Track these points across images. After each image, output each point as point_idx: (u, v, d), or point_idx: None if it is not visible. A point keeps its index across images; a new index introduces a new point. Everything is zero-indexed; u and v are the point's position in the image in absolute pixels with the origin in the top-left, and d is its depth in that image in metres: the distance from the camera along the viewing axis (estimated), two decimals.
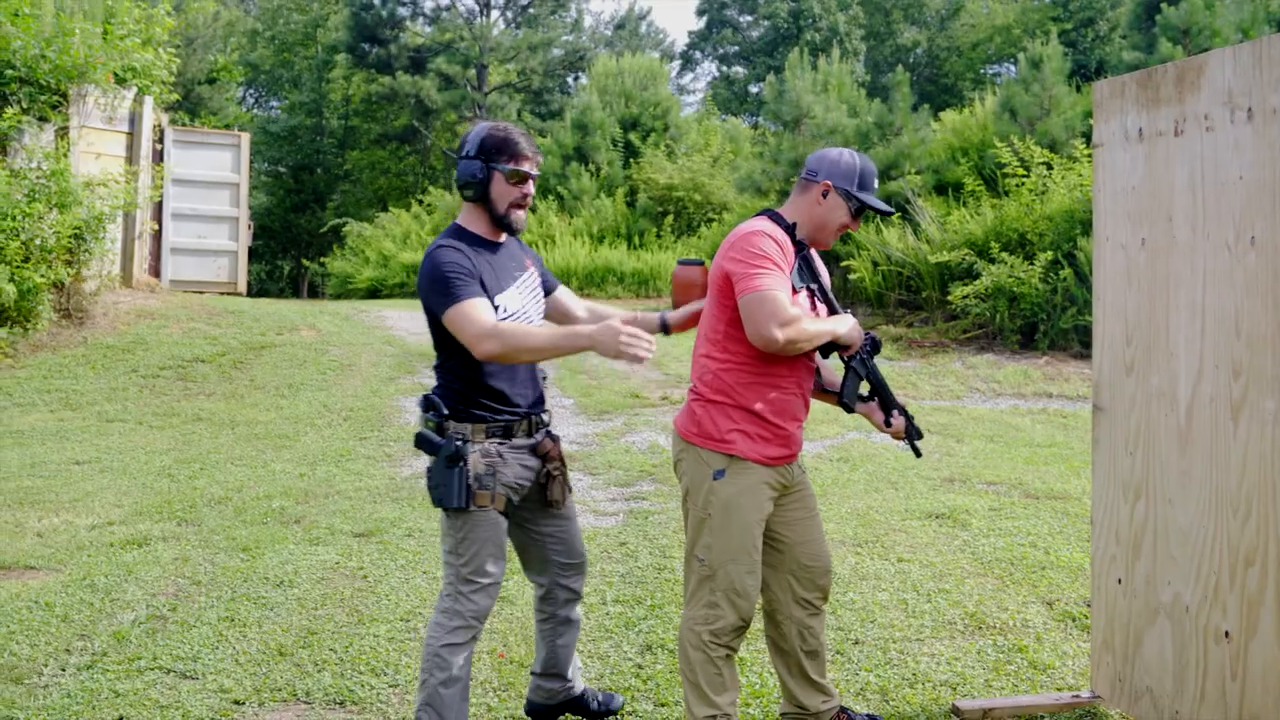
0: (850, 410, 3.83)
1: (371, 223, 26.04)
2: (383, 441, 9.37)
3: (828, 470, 8.32)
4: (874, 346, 3.80)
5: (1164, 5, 17.39)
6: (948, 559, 6.08)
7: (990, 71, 38.48)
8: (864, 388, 3.90)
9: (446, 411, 3.55)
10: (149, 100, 15.11)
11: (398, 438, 9.48)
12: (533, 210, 22.40)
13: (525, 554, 3.91)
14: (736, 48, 45.33)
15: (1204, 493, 3.47)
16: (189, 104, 33.71)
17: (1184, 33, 16.45)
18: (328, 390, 11.39)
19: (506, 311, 3.58)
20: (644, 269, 20.00)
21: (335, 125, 36.36)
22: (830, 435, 9.56)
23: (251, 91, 43.58)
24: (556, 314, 3.98)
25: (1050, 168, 14.58)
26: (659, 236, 21.51)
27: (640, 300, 17.93)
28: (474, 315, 3.40)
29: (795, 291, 3.63)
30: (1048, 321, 13.52)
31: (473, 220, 3.67)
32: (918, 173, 16.24)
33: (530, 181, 3.63)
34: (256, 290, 31.44)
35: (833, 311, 3.75)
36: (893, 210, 3.71)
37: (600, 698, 4.12)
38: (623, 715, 4.14)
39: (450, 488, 3.48)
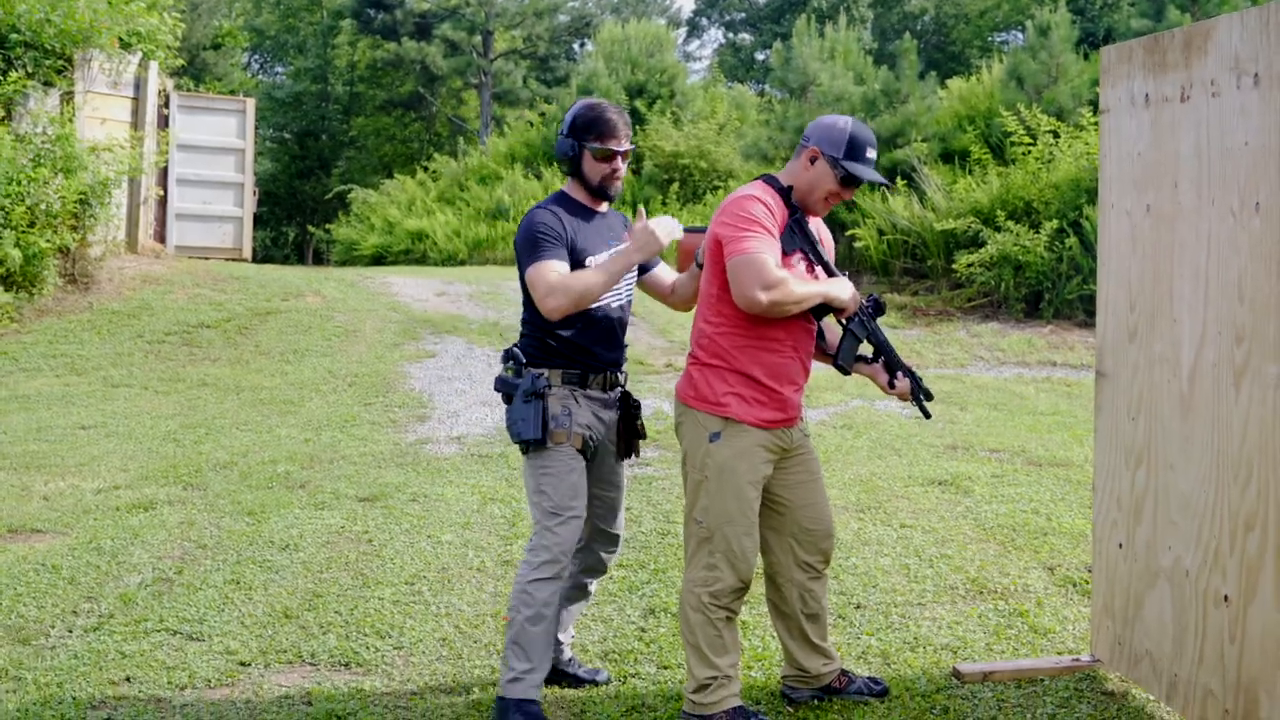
0: (846, 372, 3.85)
1: (377, 189, 25.98)
2: (387, 407, 9.40)
3: (831, 437, 8.34)
4: (876, 308, 3.81)
5: None
6: (950, 525, 6.10)
7: (998, 39, 38.18)
8: (866, 349, 3.89)
9: (525, 360, 3.78)
10: (154, 65, 15.06)
11: (402, 403, 9.51)
12: (538, 177, 22.36)
13: None
14: (743, 14, 45.00)
15: (1205, 458, 3.48)
16: (194, 69, 33.60)
17: (1193, 0, 16.34)
18: (332, 356, 11.41)
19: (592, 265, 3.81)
20: None
21: (340, 91, 36.24)
22: (834, 402, 9.58)
23: (256, 57, 43.43)
24: (656, 290, 4.15)
25: (1057, 136, 14.54)
26: (665, 204, 21.44)
27: None
28: (543, 274, 3.63)
29: (787, 255, 3.65)
30: (1053, 290, 13.50)
31: (574, 189, 3.89)
32: (924, 140, 16.21)
33: (619, 158, 3.81)
34: (261, 257, 31.40)
35: (830, 275, 3.77)
36: (885, 181, 3.75)
37: (586, 669, 4.15)
38: (626, 678, 4.18)
39: (530, 420, 3.67)
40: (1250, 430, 3.29)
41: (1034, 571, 5.34)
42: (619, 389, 3.93)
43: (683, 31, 45.15)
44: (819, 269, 3.77)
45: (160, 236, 16.18)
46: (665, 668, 4.26)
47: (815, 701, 3.95)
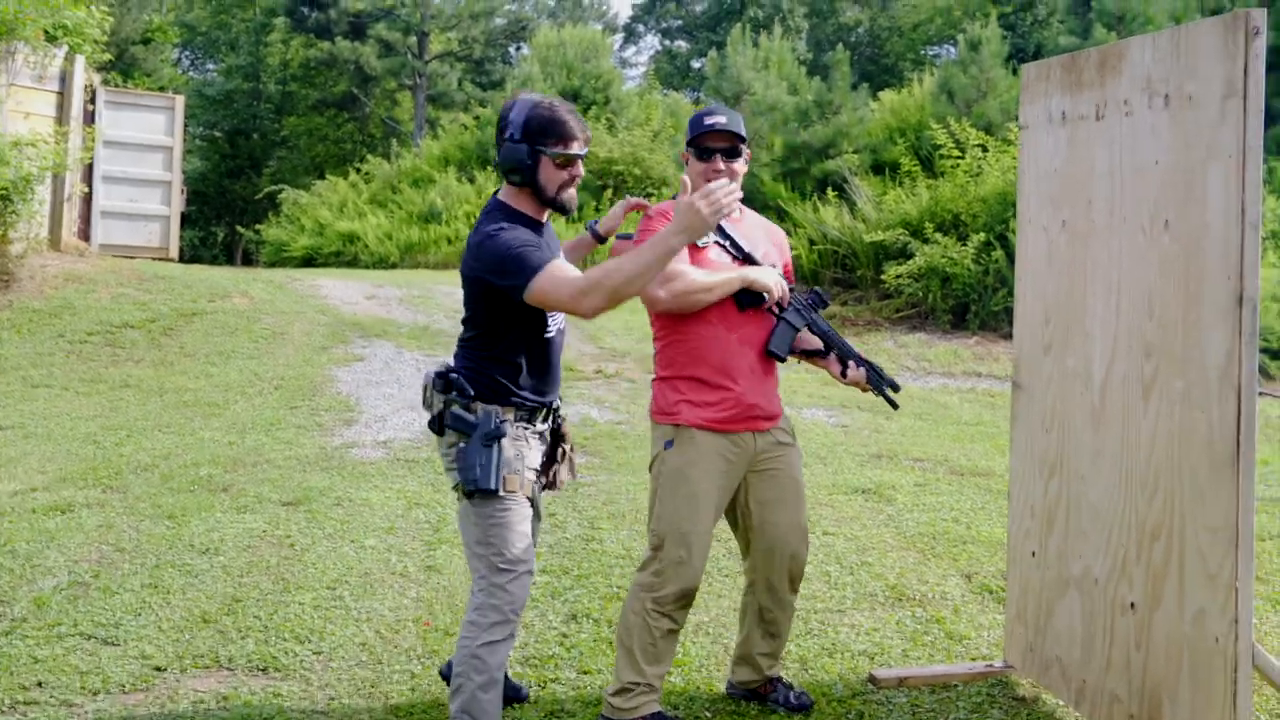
0: (779, 359, 3.76)
1: (308, 190, 25.73)
2: (314, 411, 9.32)
3: None
4: (816, 300, 3.81)
5: None
6: (871, 533, 6.18)
7: (931, 53, 38.68)
8: (813, 343, 3.88)
9: (472, 393, 3.39)
10: (80, 59, 14.81)
11: (329, 407, 9.44)
12: (471, 181, 22.28)
13: None
14: (680, 21, 45.22)
15: (1115, 469, 3.56)
16: (123, 64, 33.07)
17: (1119, 19, 16.67)
18: (259, 359, 11.29)
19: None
20: None
21: (273, 90, 35.82)
22: None
23: (187, 53, 42.84)
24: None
25: (985, 150, 14.75)
26: (598, 210, 21.48)
27: None
28: (562, 277, 3.22)
29: (699, 249, 3.68)
30: (979, 302, 13.69)
31: (520, 200, 3.48)
32: (855, 152, 16.37)
33: (579, 162, 3.44)
34: (190, 257, 30.96)
35: (751, 265, 3.74)
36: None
37: (511, 682, 3.96)
38: (546, 683, 4.18)
39: (488, 469, 3.29)
40: (1158, 443, 3.37)
41: (952, 579, 5.42)
42: (556, 420, 3.65)
43: (619, 38, 45.23)
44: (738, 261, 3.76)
45: (85, 235, 15.90)
46: (585, 673, 4.27)
47: (735, 703, 4.00)
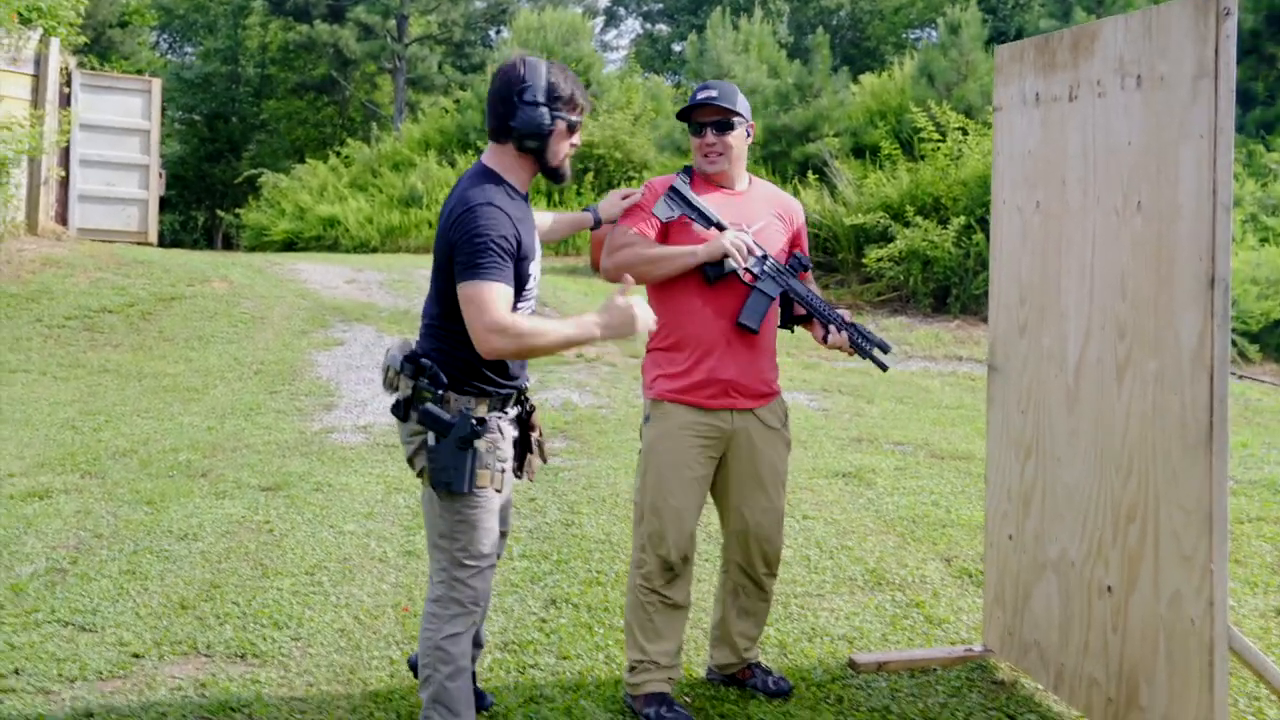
0: (751, 331, 3.66)
1: (288, 174, 25.60)
2: (293, 395, 9.29)
3: None
4: (796, 264, 3.75)
5: None
6: (852, 516, 6.19)
7: (913, 36, 38.67)
8: (791, 310, 3.84)
9: (446, 380, 3.26)
10: (55, 42, 14.70)
11: (309, 391, 9.41)
12: (452, 165, 22.20)
13: None
14: (660, 5, 45.05)
15: (1090, 451, 3.57)
16: (100, 47, 32.81)
17: (1098, 2, 16.68)
18: (238, 343, 11.24)
19: (534, 279, 3.36)
20: None
21: (251, 73, 35.57)
22: None
23: (165, 36, 42.54)
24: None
25: (965, 133, 14.76)
26: (579, 194, 21.42)
27: (561, 258, 17.84)
28: (492, 303, 3.10)
29: (664, 223, 3.67)
30: (960, 285, 13.72)
31: (512, 168, 3.32)
32: (836, 135, 16.38)
33: (579, 131, 3.38)
34: (170, 241, 30.78)
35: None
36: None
37: (475, 688, 3.74)
38: (525, 669, 4.18)
39: (461, 471, 3.20)
40: (1131, 424, 3.38)
41: (931, 563, 5.44)
42: (525, 405, 3.52)
43: (600, 21, 45.08)
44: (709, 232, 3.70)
45: (62, 218, 15.80)
46: (565, 658, 4.27)
47: (714, 688, 4.01)
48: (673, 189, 3.70)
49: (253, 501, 6.31)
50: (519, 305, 3.32)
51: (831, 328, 3.74)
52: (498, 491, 3.35)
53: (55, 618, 4.55)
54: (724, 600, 3.96)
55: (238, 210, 26.44)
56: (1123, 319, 3.41)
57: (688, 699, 3.95)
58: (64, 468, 6.97)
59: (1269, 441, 8.34)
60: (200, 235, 34.09)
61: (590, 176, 21.35)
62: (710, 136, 3.73)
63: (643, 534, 3.70)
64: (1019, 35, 22.28)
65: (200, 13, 38.16)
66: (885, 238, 14.29)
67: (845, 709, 3.89)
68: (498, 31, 34.98)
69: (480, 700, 3.77)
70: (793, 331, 3.89)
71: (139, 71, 28.13)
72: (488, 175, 3.29)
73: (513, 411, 3.42)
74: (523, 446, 3.52)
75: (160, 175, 17.22)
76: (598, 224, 3.86)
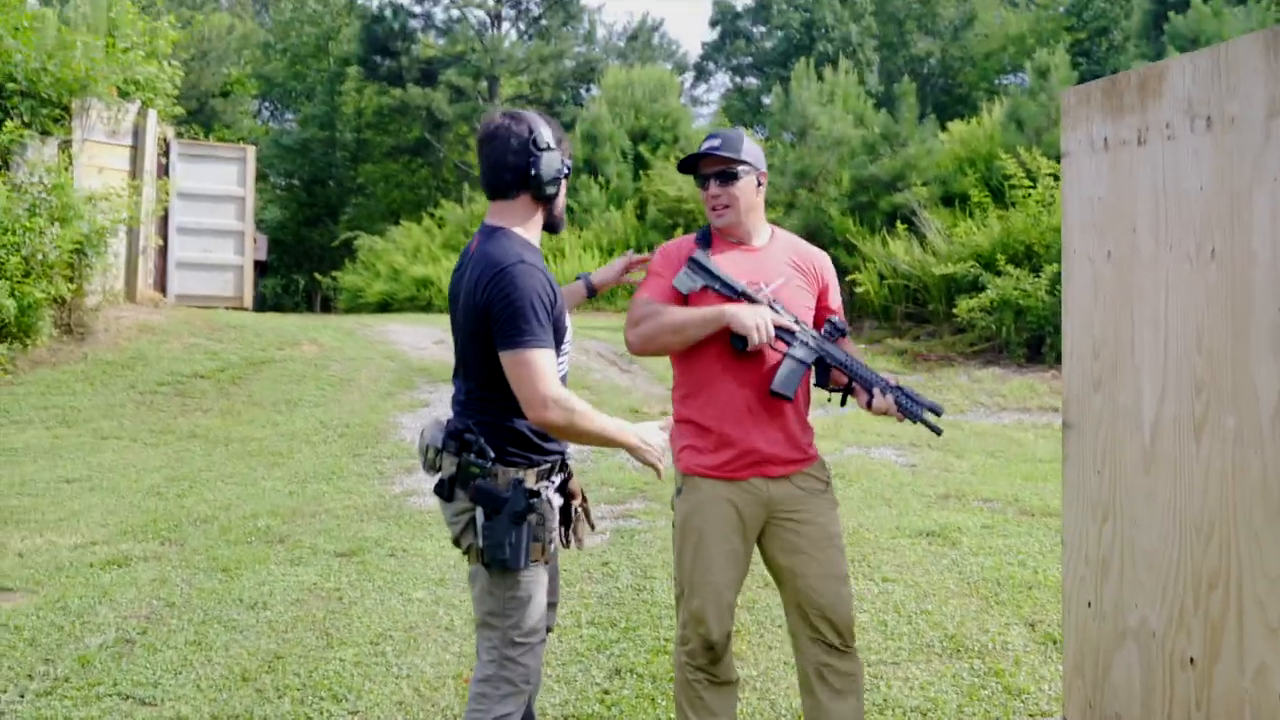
0: (786, 399, 3.47)
1: (383, 236, 26.04)
2: (376, 458, 9.31)
3: None
4: (831, 331, 3.55)
5: (1172, 14, 17.25)
6: (934, 578, 5.97)
7: (1004, 81, 38.28)
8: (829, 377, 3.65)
9: (493, 455, 3.13)
10: (152, 113, 15.11)
11: (391, 454, 9.42)
12: None
13: None
14: (750, 59, 45.24)
15: (1168, 513, 3.36)
16: (203, 117, 33.87)
17: (1192, 41, 16.31)
18: (325, 406, 11.33)
19: (569, 331, 3.27)
20: None
21: (348, 138, 36.41)
22: (828, 451, 9.45)
23: (266, 104, 43.75)
24: None
25: (1057, 179, 14.45)
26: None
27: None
28: (544, 371, 3.00)
29: (691, 295, 3.50)
30: (1054, 335, 13.37)
31: (532, 226, 3.24)
32: (924, 184, 16.15)
33: None
34: (272, 305, 31.50)
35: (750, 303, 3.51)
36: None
37: None
38: None
39: (519, 548, 3.07)
40: (1211, 484, 3.17)
41: (1014, 628, 5.20)
42: (568, 470, 3.37)
43: (690, 76, 45.37)
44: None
45: (161, 285, 16.19)
46: None
47: None
48: (693, 260, 3.53)
49: (326, 568, 6.28)
50: (560, 360, 3.20)
51: (876, 391, 3.53)
52: (546, 565, 3.24)
53: (117, 690, 4.53)
54: (810, 687, 3.59)
55: (335, 273, 26.91)
56: (1199, 373, 3.21)
57: None
58: (145, 535, 7.02)
59: None
60: (301, 299, 34.79)
61: (680, 231, 21.35)
62: (714, 188, 3.56)
63: (685, 611, 3.55)
64: None
65: (298, 80, 39.21)
66: (976, 287, 14.02)
67: None
68: (587, 89, 35.33)
69: None
70: (844, 405, 3.65)
71: (241, 139, 28.89)
72: (511, 236, 3.17)
73: (558, 480, 3.29)
74: (566, 513, 3.39)
75: (255, 240, 17.56)
76: (592, 293, 3.72)
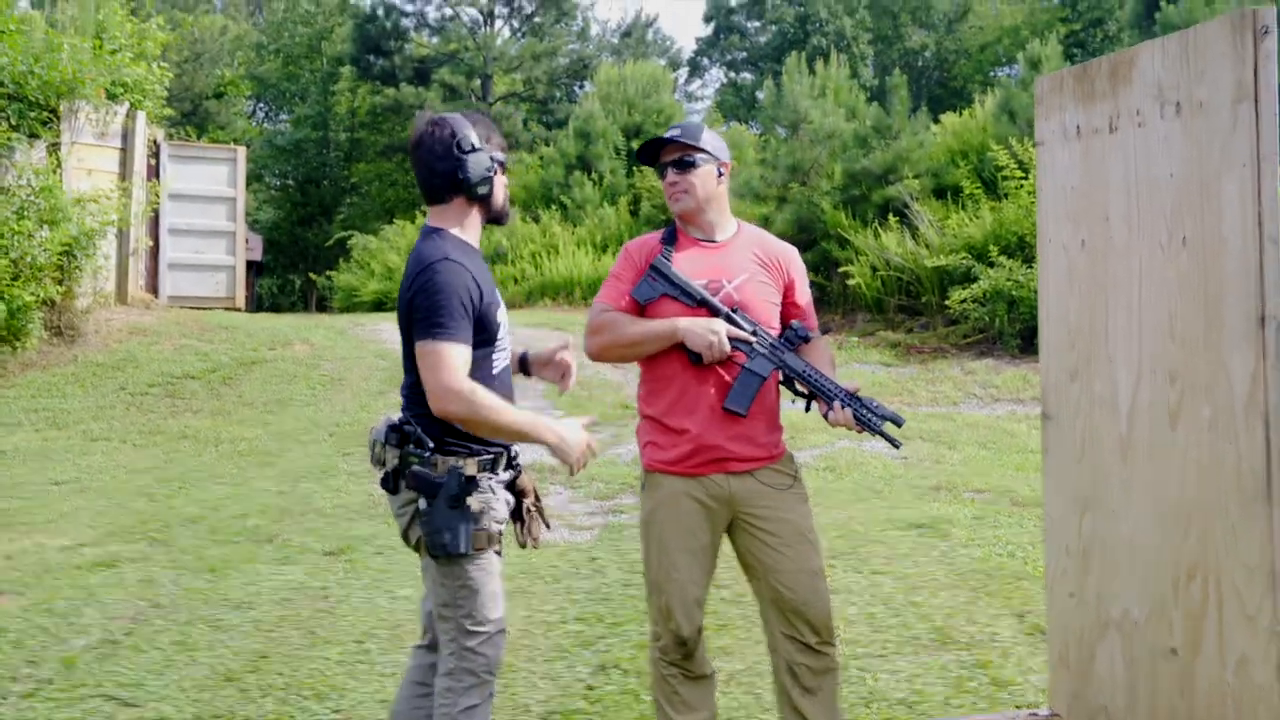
0: (739, 415, 3.43)
1: (377, 235, 26.00)
2: (366, 457, 9.26)
3: (813, 480, 8.19)
4: (793, 338, 3.50)
5: (1164, 3, 17.22)
6: (923, 570, 5.96)
7: (1000, 74, 38.24)
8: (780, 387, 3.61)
9: (432, 444, 3.13)
10: (141, 115, 15.08)
11: None
12: (536, 220, 22.33)
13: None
14: (744, 53, 45.21)
15: (1146, 503, 3.34)
16: (197, 118, 33.84)
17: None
18: (316, 405, 11.32)
19: (503, 328, 3.28)
20: None
21: (341, 138, 36.39)
22: (819, 444, 9.44)
23: (261, 105, 43.71)
24: None
25: None
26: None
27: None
28: (456, 362, 3.03)
29: (651, 304, 3.47)
30: None
31: (469, 224, 3.27)
32: (916, 177, 16.10)
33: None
34: (269, 305, 31.48)
35: (714, 314, 3.47)
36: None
37: None
38: None
39: (457, 532, 3.05)
40: (1188, 474, 3.15)
41: (1003, 619, 5.18)
42: (516, 462, 3.35)
43: (684, 72, 45.32)
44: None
45: (153, 287, 16.16)
46: None
47: None
48: (653, 267, 3.50)
49: (314, 566, 6.27)
50: (494, 356, 3.23)
51: (835, 404, 3.47)
52: (498, 554, 3.23)
53: (100, 692, 4.52)
54: (782, 685, 3.56)
55: (330, 273, 26.89)
56: (1173, 362, 3.19)
57: None
58: (134, 536, 7.01)
59: None
60: (297, 298, 34.79)
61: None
62: (672, 175, 3.54)
63: (653, 607, 3.54)
64: None
65: (291, 81, 39.15)
66: (969, 278, 13.99)
67: None
68: (580, 86, 35.30)
69: None
70: (807, 410, 3.58)
71: (234, 140, 28.87)
72: (443, 235, 3.22)
73: (505, 475, 3.28)
74: (518, 511, 3.37)
75: (246, 241, 17.53)
76: (526, 371, 3.57)
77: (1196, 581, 3.14)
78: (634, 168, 23.65)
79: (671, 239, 3.59)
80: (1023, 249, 13.90)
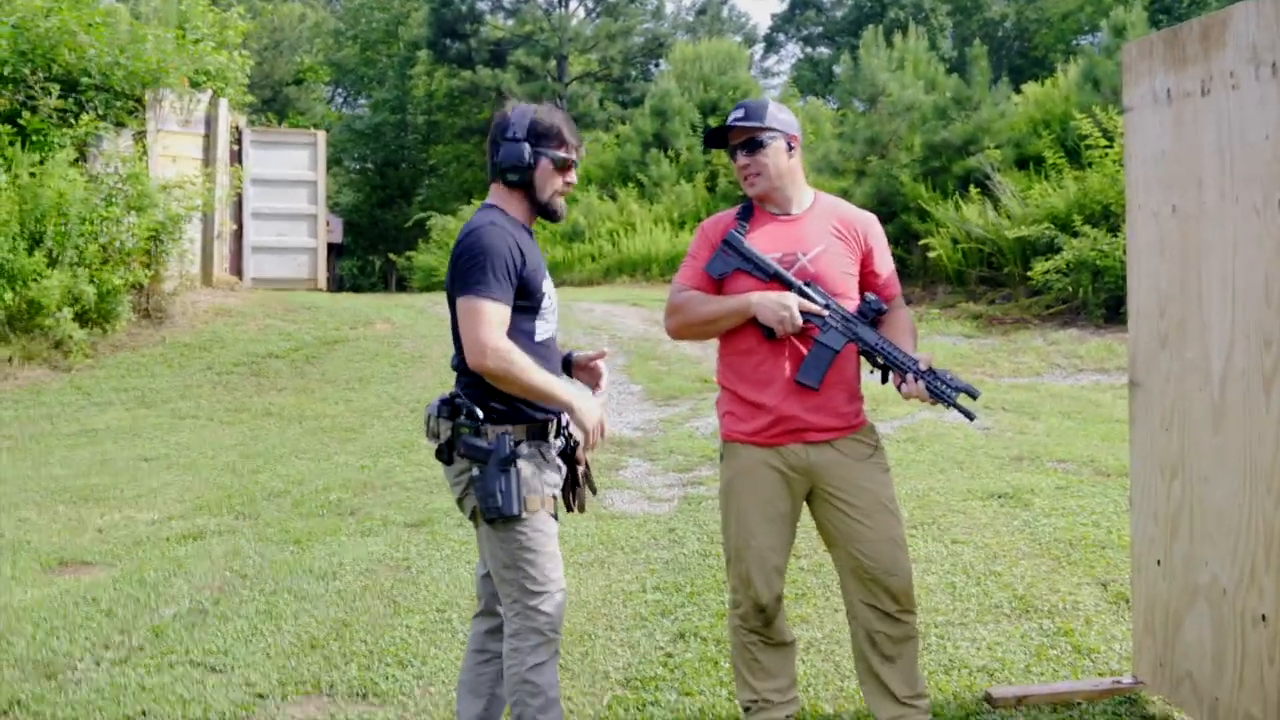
0: (812, 389, 3.43)
1: (455, 215, 26.18)
2: None
3: (894, 451, 8.12)
4: (866, 310, 3.48)
5: None
6: (1004, 540, 5.89)
7: (1082, 42, 37.50)
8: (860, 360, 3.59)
9: (481, 415, 3.21)
10: (224, 102, 15.32)
11: None
12: (613, 198, 22.35)
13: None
14: (820, 28, 44.79)
15: (1238, 470, 3.28)
16: (277, 105, 34.30)
17: None
18: (397, 383, 11.44)
19: (550, 299, 3.37)
20: None
21: (419, 121, 36.62)
22: (900, 415, 9.35)
23: (339, 91, 44.16)
24: None
25: None
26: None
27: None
28: (492, 319, 3.12)
29: (726, 279, 3.50)
30: None
31: (511, 204, 3.37)
32: (997, 147, 15.88)
33: (574, 170, 3.39)
34: (350, 286, 31.85)
35: (787, 288, 3.46)
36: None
37: None
38: (644, 705, 4.05)
39: (509, 495, 3.14)
40: None
41: (1086, 588, 5.11)
42: (566, 431, 3.40)
43: (760, 48, 45.03)
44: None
45: (237, 270, 16.43)
46: (687, 694, 4.13)
47: None
48: (726, 242, 3.51)
49: (395, 538, 6.34)
50: (537, 323, 3.30)
51: (909, 376, 3.44)
52: (552, 516, 3.31)
53: (189, 659, 4.61)
54: (861, 652, 3.58)
55: (409, 253, 27.12)
56: (1268, 327, 3.12)
57: None
58: (220, 510, 7.14)
59: None
60: (378, 279, 35.15)
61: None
62: (743, 158, 3.53)
63: (733, 575, 3.55)
64: None
65: (369, 66, 39.50)
66: (1052, 249, 13.76)
67: None
68: (656, 65, 35.21)
69: None
70: (884, 382, 3.54)
71: (315, 126, 29.18)
72: (492, 209, 3.35)
73: (556, 443, 3.36)
74: (571, 480, 3.46)
75: (328, 224, 17.76)
76: (568, 372, 3.58)
77: None
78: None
79: (747, 214, 3.59)
80: (1108, 218, 13.64)
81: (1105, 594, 5.03)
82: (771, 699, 3.55)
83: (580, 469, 3.46)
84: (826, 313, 3.44)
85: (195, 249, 14.66)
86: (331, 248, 23.77)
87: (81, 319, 12.13)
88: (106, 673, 4.48)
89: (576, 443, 3.41)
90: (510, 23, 34.15)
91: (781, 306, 3.39)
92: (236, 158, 16.18)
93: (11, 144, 12.71)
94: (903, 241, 15.97)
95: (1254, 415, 3.20)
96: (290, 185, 17.05)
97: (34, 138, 12.94)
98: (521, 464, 3.20)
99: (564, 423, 3.38)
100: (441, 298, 17.52)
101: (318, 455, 8.72)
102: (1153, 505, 3.76)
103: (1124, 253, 12.69)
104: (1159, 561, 3.74)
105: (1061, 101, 16.75)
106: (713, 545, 5.95)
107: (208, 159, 15.04)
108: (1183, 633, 3.62)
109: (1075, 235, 13.47)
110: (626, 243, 20.33)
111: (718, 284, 3.54)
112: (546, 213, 3.40)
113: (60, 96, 13.33)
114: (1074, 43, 36.58)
